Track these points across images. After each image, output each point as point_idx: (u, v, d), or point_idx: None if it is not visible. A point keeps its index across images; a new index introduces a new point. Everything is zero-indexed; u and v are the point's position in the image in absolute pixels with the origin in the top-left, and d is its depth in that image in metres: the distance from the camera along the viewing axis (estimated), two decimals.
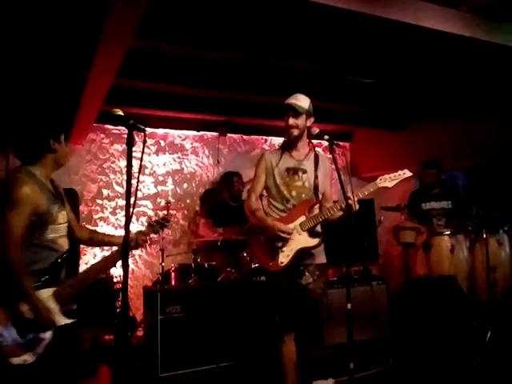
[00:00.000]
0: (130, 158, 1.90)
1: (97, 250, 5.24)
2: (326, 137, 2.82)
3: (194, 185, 6.03)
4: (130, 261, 5.43)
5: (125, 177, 2.00)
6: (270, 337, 3.17)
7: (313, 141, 3.26)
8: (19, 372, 2.16)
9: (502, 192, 5.65)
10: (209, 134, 6.11)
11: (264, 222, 3.11)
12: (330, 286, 4.61)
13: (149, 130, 5.57)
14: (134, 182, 1.91)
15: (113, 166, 5.59)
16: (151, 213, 5.66)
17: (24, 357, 2.16)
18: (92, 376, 3.68)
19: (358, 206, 2.91)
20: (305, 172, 3.14)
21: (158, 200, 5.73)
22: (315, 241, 3.08)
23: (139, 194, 5.58)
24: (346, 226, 2.88)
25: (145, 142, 2.04)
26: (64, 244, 2.42)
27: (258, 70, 4.53)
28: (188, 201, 5.95)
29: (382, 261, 6.36)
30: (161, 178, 5.84)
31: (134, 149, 1.95)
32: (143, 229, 2.87)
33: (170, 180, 5.89)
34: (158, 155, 5.84)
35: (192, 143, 6.07)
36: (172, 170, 5.92)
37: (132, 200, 1.90)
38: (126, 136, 1.94)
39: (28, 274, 2.22)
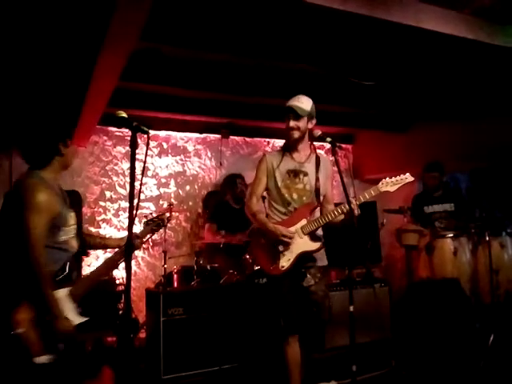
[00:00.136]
0: (133, 160, 1.91)
1: (99, 251, 5.25)
2: (329, 139, 2.81)
3: (196, 187, 6.03)
4: (133, 263, 5.44)
5: (127, 179, 2.00)
6: (274, 339, 3.16)
7: (315, 143, 3.25)
8: (40, 372, 2.19)
9: (505, 194, 5.64)
10: (211, 136, 6.12)
11: (265, 226, 3.09)
12: (333, 289, 4.62)
13: (151, 132, 5.53)
14: (136, 184, 1.92)
15: (115, 168, 5.60)
16: (154, 215, 5.65)
17: (46, 356, 2.19)
18: (95, 377, 3.68)
19: (359, 211, 2.89)
20: (306, 174, 3.13)
21: (161, 202, 5.74)
22: (316, 245, 3.08)
23: (142, 196, 5.59)
24: (349, 228, 2.88)
25: (148, 144, 2.05)
26: (74, 245, 2.46)
27: (261, 73, 4.53)
28: (190, 203, 5.96)
29: (384, 263, 6.35)
30: (163, 180, 5.85)
31: (136, 151, 1.95)
32: (139, 231, 2.87)
33: (172, 182, 5.90)
34: (160, 157, 5.85)
35: (195, 145, 6.08)
36: (175, 172, 5.93)
37: (135, 202, 1.91)
38: (128, 138, 1.95)
39: (49, 276, 2.25)
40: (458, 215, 4.89)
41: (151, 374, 3.98)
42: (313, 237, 3.08)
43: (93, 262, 5.19)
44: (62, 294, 2.32)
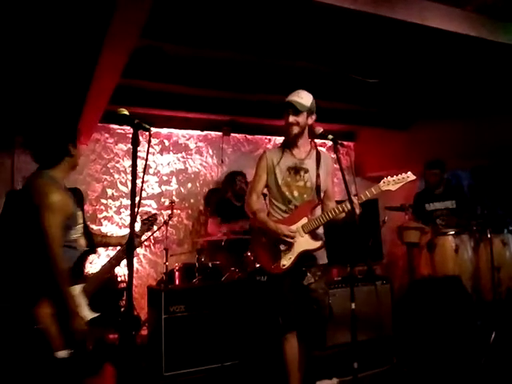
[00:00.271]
0: (135, 157, 1.91)
1: (101, 249, 5.25)
2: (330, 136, 2.78)
3: (198, 184, 6.04)
4: (135, 260, 5.45)
5: (129, 176, 2.01)
6: (274, 336, 3.16)
7: (317, 140, 3.22)
8: (61, 366, 2.26)
9: (506, 192, 5.63)
10: (213, 133, 6.12)
11: (266, 225, 3.07)
12: (334, 286, 4.62)
13: (153, 129, 5.54)
14: (138, 181, 1.92)
15: (117, 165, 5.61)
16: (154, 212, 5.67)
17: (67, 351, 2.25)
18: (96, 375, 3.70)
19: (360, 209, 2.88)
20: (306, 171, 3.09)
21: (162, 200, 5.75)
22: (317, 243, 3.06)
23: (143, 194, 5.60)
24: (350, 226, 2.88)
25: (150, 141, 2.05)
26: (82, 243, 2.51)
27: (262, 70, 4.53)
28: (192, 200, 5.97)
29: (386, 261, 6.35)
30: (165, 178, 5.85)
31: (138, 148, 1.95)
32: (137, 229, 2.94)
33: (174, 180, 5.90)
34: (162, 155, 5.85)
35: (196, 143, 6.08)
36: (176, 169, 5.93)
37: (136, 199, 1.91)
38: (130, 136, 1.95)
39: (67, 274, 2.31)
40: (459, 212, 4.88)
41: (153, 371, 3.99)
42: (314, 235, 3.06)
43: (95, 259, 5.19)
44: (76, 290, 2.39)
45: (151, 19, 2.87)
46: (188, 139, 6.03)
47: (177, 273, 4.57)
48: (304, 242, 3.03)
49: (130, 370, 2.33)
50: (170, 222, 5.10)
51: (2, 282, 2.44)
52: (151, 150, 5.74)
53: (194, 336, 4.04)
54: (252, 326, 4.21)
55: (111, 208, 5.54)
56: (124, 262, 2.71)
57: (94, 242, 2.85)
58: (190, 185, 5.99)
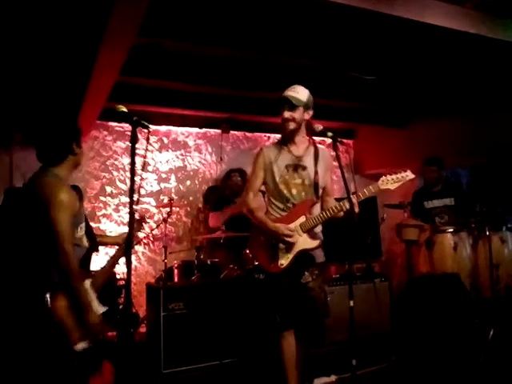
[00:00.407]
0: (133, 154, 1.91)
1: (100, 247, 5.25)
2: (330, 134, 2.76)
3: (196, 182, 6.03)
4: (133, 258, 5.45)
5: (128, 174, 2.01)
6: (271, 334, 3.16)
7: (316, 138, 3.19)
8: (79, 358, 2.31)
9: (505, 189, 5.64)
10: (212, 131, 6.12)
11: (264, 225, 3.04)
12: (333, 284, 4.63)
13: (152, 126, 5.50)
14: (137, 179, 1.92)
15: (116, 163, 5.60)
16: (154, 210, 5.68)
17: (84, 343, 2.31)
18: (96, 372, 3.70)
19: (359, 208, 2.85)
20: (304, 168, 3.05)
21: (161, 197, 5.74)
22: (315, 242, 3.04)
23: (142, 191, 5.60)
24: (349, 223, 2.87)
25: (148, 138, 2.05)
26: (85, 241, 2.55)
27: (261, 67, 4.52)
28: (191, 198, 5.96)
29: (384, 258, 6.35)
30: (164, 175, 5.85)
31: (137, 146, 1.95)
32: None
33: (173, 177, 5.90)
34: (161, 152, 5.84)
35: (195, 140, 6.07)
36: (175, 167, 5.92)
37: (135, 197, 1.91)
38: (128, 133, 1.95)
39: (78, 270, 2.35)
40: (458, 210, 4.89)
41: (151, 369, 3.99)
42: (312, 234, 3.04)
43: (93, 257, 5.18)
44: (87, 285, 2.44)
45: (149, 16, 2.86)
46: (187, 137, 6.03)
47: (175, 270, 4.56)
48: (302, 241, 3.01)
49: (129, 368, 2.33)
50: (169, 220, 5.11)
51: (13, 278, 2.47)
52: (150, 147, 5.73)
53: (192, 333, 4.04)
54: (250, 324, 4.22)
55: (110, 206, 5.53)
56: (123, 260, 2.72)
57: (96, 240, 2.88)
58: (188, 182, 5.98)
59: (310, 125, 3.03)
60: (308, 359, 3.19)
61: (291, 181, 3.04)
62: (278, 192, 3.06)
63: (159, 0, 2.87)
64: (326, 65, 4.41)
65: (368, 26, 3.53)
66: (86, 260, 2.55)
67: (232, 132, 6.19)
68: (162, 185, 5.82)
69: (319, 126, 2.85)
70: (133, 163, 1.91)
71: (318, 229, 3.13)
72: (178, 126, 5.91)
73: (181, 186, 5.93)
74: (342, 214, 2.98)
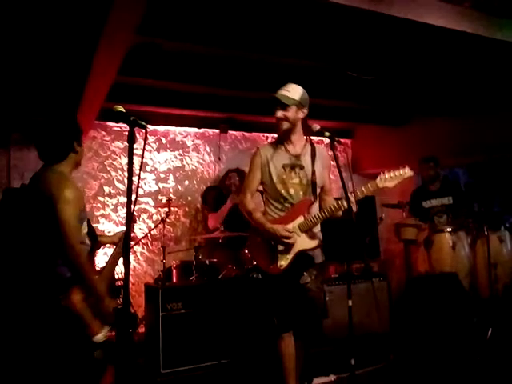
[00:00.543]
0: (131, 154, 1.91)
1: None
2: (327, 133, 2.73)
3: (195, 182, 6.03)
4: (132, 258, 5.44)
5: (126, 174, 2.01)
6: (269, 335, 3.15)
7: (314, 138, 3.16)
8: (99, 350, 2.37)
9: (503, 188, 5.65)
10: (210, 131, 6.11)
11: (262, 226, 3.00)
12: (332, 283, 4.63)
13: (150, 127, 5.57)
14: (135, 179, 1.92)
15: (114, 163, 5.59)
16: (153, 210, 5.68)
17: (102, 334, 2.36)
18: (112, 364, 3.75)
19: (357, 207, 2.84)
20: (302, 168, 3.02)
21: (160, 197, 5.74)
22: (314, 242, 3.01)
23: (140, 192, 5.59)
24: (347, 223, 2.86)
25: (146, 138, 2.04)
26: (87, 239, 2.57)
27: (259, 67, 4.52)
28: (189, 198, 5.96)
29: (383, 258, 6.36)
30: (162, 175, 5.84)
31: (135, 146, 1.95)
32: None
33: (171, 177, 5.89)
34: (159, 152, 5.84)
35: (193, 140, 6.07)
36: (173, 167, 5.92)
37: (133, 197, 1.91)
38: (127, 133, 1.94)
39: (88, 262, 2.40)
40: (456, 209, 4.89)
41: (150, 369, 3.99)
42: (310, 234, 3.01)
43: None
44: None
45: (147, 15, 2.86)
46: (185, 136, 6.02)
47: (174, 270, 4.56)
48: (301, 242, 2.98)
49: (128, 368, 2.33)
50: (168, 220, 5.11)
51: (23, 277, 2.50)
52: (148, 147, 5.73)
53: (191, 333, 4.05)
54: (249, 324, 4.22)
55: (108, 206, 5.53)
56: (121, 260, 2.72)
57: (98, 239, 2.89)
58: (187, 182, 5.98)
59: (307, 124, 3.01)
60: (307, 359, 3.19)
61: (289, 180, 3.00)
62: (275, 192, 3.03)
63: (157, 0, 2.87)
64: (325, 64, 4.41)
65: (366, 26, 3.52)
66: (92, 257, 2.56)
67: (230, 132, 6.19)
68: (161, 185, 5.82)
69: (317, 126, 2.82)
70: (130, 163, 1.90)
71: (317, 229, 3.10)
72: (176, 125, 5.90)
73: (179, 186, 5.92)
74: (340, 213, 2.94)
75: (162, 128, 5.83)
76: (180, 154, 5.97)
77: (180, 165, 5.96)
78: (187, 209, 5.91)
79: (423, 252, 4.68)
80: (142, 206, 5.64)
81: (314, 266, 3.07)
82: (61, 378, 2.30)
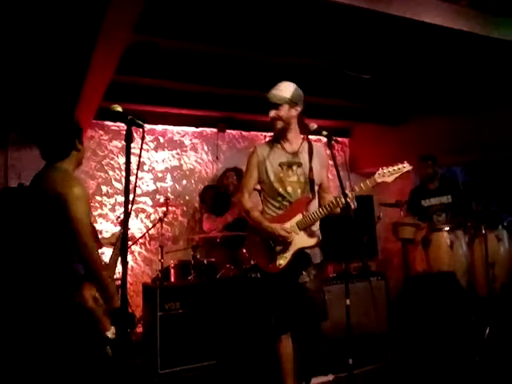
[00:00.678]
0: (128, 154, 1.90)
1: None
2: (325, 132, 2.73)
3: (193, 181, 6.02)
4: (129, 258, 5.43)
5: (124, 173, 2.01)
6: (268, 336, 3.14)
7: (311, 137, 3.14)
8: (110, 345, 2.39)
9: (501, 187, 5.66)
10: (208, 130, 6.10)
11: (260, 225, 2.99)
12: (330, 282, 4.63)
13: (148, 126, 5.56)
14: (132, 178, 1.91)
15: (112, 162, 5.58)
16: (150, 209, 5.67)
17: (113, 330, 2.39)
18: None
19: (356, 204, 2.83)
20: (300, 165, 3.01)
21: (157, 196, 5.73)
22: (313, 240, 2.99)
23: (138, 191, 5.58)
24: (345, 222, 2.85)
25: (143, 138, 2.04)
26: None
27: (257, 66, 4.51)
28: (187, 197, 5.95)
29: (381, 257, 6.37)
30: (160, 175, 5.83)
31: (132, 145, 1.94)
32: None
33: (168, 176, 5.88)
34: (156, 151, 5.83)
35: (191, 139, 6.06)
36: (171, 166, 5.91)
37: (131, 197, 1.90)
38: (124, 132, 1.93)
39: (100, 259, 2.44)
40: (455, 207, 4.89)
41: (148, 369, 3.99)
42: (309, 232, 2.99)
43: None
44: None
45: (144, 14, 2.85)
46: (183, 136, 6.02)
47: (172, 270, 4.56)
48: (299, 240, 2.97)
49: (126, 368, 2.33)
50: (165, 219, 5.10)
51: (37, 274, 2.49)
52: (146, 146, 5.72)
53: (189, 333, 4.04)
54: (247, 324, 4.22)
55: (106, 205, 5.51)
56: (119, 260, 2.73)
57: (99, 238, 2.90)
58: (185, 181, 5.97)
59: (304, 123, 2.99)
60: (304, 359, 3.18)
61: (286, 178, 2.99)
62: (273, 190, 3.02)
63: None
64: (323, 63, 4.41)
65: (363, 25, 3.52)
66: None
67: (228, 131, 6.18)
68: (158, 184, 5.81)
69: (314, 125, 2.82)
70: (128, 162, 1.90)
71: (316, 227, 3.08)
72: (174, 125, 5.89)
73: (177, 186, 5.92)
74: (339, 210, 2.92)
75: (159, 127, 5.82)
76: (178, 153, 5.96)
77: (178, 164, 5.95)
78: (185, 208, 5.90)
79: (421, 251, 4.69)
80: (140, 205, 5.63)
81: (313, 266, 3.05)
82: (74, 373, 2.33)
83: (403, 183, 5.64)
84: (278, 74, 4.53)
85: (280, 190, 3.00)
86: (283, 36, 3.77)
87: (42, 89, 4.24)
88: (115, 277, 4.73)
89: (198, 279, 4.41)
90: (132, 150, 1.93)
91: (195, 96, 5.15)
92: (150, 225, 5.48)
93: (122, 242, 2.00)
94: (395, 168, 2.93)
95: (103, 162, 5.54)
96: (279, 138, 3.08)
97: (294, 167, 3.01)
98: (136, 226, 5.55)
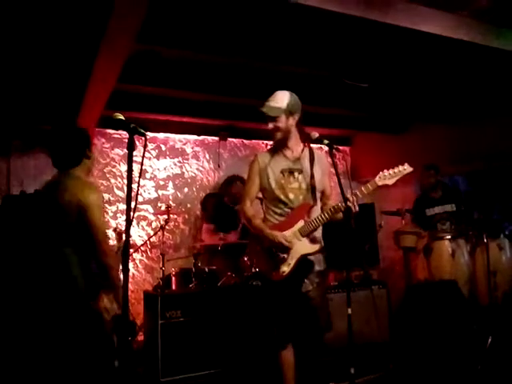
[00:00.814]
0: (130, 162, 1.91)
1: None
2: (326, 141, 2.73)
3: (194, 189, 6.03)
4: (131, 265, 5.43)
5: (125, 181, 2.01)
6: (270, 345, 3.12)
7: (313, 145, 3.13)
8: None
9: (502, 196, 5.66)
10: (209, 138, 6.12)
11: (262, 232, 2.97)
12: (331, 291, 4.61)
13: (150, 134, 5.58)
14: (134, 186, 1.92)
15: (113, 170, 5.60)
16: (152, 217, 5.67)
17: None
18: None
19: (357, 207, 2.80)
20: (300, 172, 3.00)
21: (159, 204, 5.74)
22: (315, 247, 2.97)
23: (140, 199, 5.59)
24: (347, 230, 2.85)
25: (145, 146, 2.05)
26: None
27: (258, 75, 4.53)
28: (189, 205, 5.96)
29: (382, 265, 6.34)
30: (161, 183, 5.85)
31: (134, 153, 1.95)
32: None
33: (170, 184, 5.90)
34: (158, 159, 5.85)
35: (193, 147, 6.08)
36: (173, 174, 5.93)
37: (132, 204, 1.91)
38: (126, 140, 1.95)
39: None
40: (459, 216, 4.89)
41: (149, 377, 3.97)
42: (311, 239, 2.98)
43: None
44: None
45: (147, 23, 2.87)
46: (185, 144, 6.03)
47: (173, 278, 4.55)
48: (302, 246, 2.94)
49: (127, 376, 2.32)
50: (167, 227, 5.10)
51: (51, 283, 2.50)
52: (148, 154, 5.74)
53: (190, 341, 4.03)
54: (249, 331, 4.20)
55: (107, 213, 5.52)
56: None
57: None
58: (186, 189, 5.98)
59: (305, 132, 3.00)
60: (309, 369, 3.16)
61: (287, 185, 2.99)
62: (274, 197, 3.01)
63: (157, 7, 2.88)
64: (323, 72, 4.43)
65: (363, 34, 3.54)
66: None
67: (230, 139, 6.20)
68: (160, 192, 5.82)
69: (315, 134, 2.81)
70: (130, 170, 1.91)
71: (318, 233, 3.06)
72: (176, 133, 5.91)
73: (178, 193, 5.93)
74: (341, 215, 2.89)
75: (161, 135, 5.84)
76: (179, 162, 5.98)
77: (179, 172, 5.97)
78: (186, 216, 5.91)
79: (422, 259, 4.68)
80: (142, 213, 5.64)
81: (316, 273, 3.01)
82: (84, 380, 2.36)
83: (404, 191, 5.65)
84: (279, 83, 4.55)
85: (281, 196, 2.99)
86: (283, 45, 3.79)
87: (45, 97, 4.27)
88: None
89: (199, 287, 4.40)
90: (134, 158, 1.95)
91: (197, 104, 5.18)
92: (152, 232, 5.48)
93: (123, 250, 2.00)
94: (396, 170, 2.93)
95: (105, 170, 5.56)
96: (280, 146, 3.08)
97: (296, 174, 3.01)
98: (137, 234, 5.56)
